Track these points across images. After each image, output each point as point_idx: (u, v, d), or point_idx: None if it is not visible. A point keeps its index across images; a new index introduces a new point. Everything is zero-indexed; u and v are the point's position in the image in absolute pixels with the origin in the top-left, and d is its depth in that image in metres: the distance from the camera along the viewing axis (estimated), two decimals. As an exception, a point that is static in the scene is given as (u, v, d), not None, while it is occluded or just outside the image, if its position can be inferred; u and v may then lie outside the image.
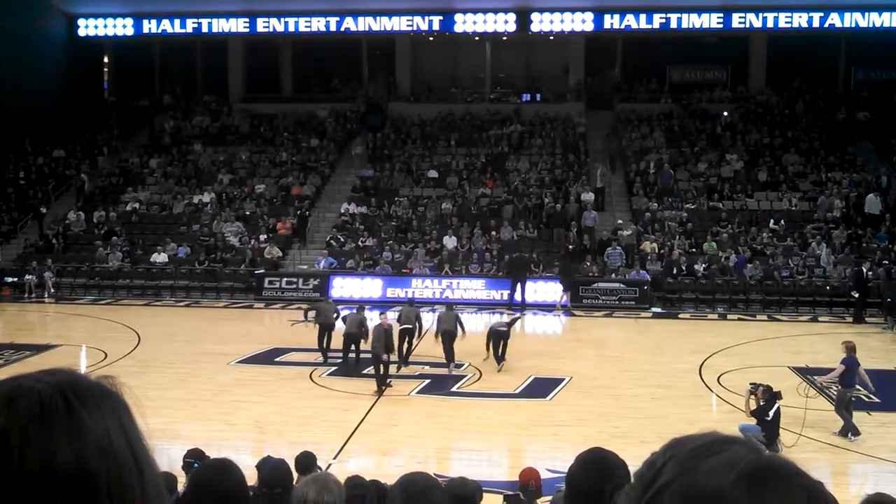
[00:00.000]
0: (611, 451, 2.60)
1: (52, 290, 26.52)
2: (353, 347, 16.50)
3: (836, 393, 13.11)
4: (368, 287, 25.88)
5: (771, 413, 11.95)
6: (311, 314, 18.16)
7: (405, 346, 17.16)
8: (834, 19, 33.04)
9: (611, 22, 33.98)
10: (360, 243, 28.06)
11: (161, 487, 1.01)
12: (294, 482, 4.25)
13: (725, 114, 34.16)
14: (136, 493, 0.96)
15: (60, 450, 0.92)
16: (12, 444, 0.91)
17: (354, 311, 17.38)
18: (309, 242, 28.96)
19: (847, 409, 12.74)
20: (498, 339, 17.00)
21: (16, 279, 27.09)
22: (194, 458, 7.74)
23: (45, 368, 1.01)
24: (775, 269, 25.44)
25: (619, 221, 28.19)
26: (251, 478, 6.37)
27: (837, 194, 28.79)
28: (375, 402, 14.61)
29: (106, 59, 40.47)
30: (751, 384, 12.53)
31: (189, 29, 35.95)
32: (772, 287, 25.04)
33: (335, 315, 17.68)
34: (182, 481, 5.98)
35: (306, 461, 7.37)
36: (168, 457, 10.84)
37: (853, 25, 33.11)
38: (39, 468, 0.90)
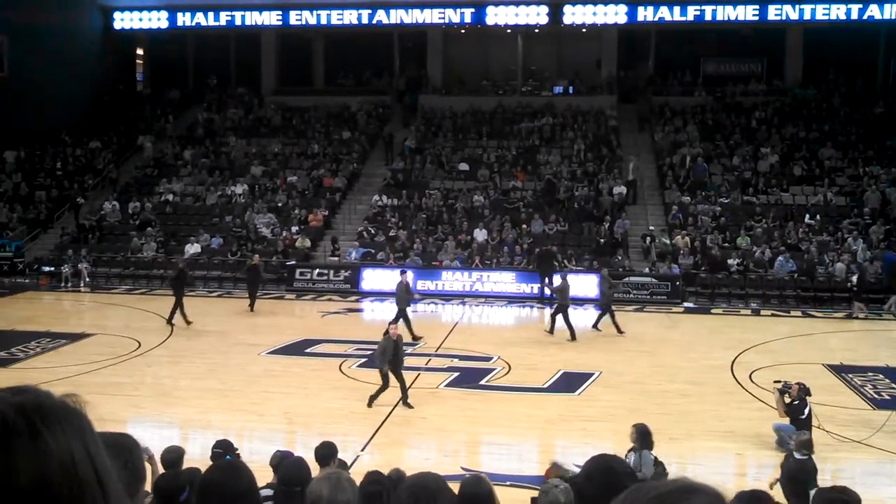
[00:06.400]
0: (618, 457, 2.57)
1: (88, 280, 26.92)
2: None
3: None
4: (398, 279, 25.80)
5: (806, 412, 11.79)
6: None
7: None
8: (873, 11, 32.44)
9: (644, 14, 33.69)
10: (390, 235, 28.12)
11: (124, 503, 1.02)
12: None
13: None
14: None
15: (22, 472, 0.92)
16: None
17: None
18: (340, 234, 29.05)
19: None
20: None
21: (52, 269, 27.57)
22: (223, 450, 7.74)
23: (12, 386, 1.01)
24: (818, 263, 25.01)
25: (652, 228, 27.73)
26: (266, 470, 6.41)
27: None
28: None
29: (140, 52, 40.92)
30: (776, 382, 12.37)
31: (223, 22, 36.32)
32: (806, 283, 24.70)
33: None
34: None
35: (326, 451, 7.38)
36: (201, 446, 10.98)
37: (892, 17, 32.48)
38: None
